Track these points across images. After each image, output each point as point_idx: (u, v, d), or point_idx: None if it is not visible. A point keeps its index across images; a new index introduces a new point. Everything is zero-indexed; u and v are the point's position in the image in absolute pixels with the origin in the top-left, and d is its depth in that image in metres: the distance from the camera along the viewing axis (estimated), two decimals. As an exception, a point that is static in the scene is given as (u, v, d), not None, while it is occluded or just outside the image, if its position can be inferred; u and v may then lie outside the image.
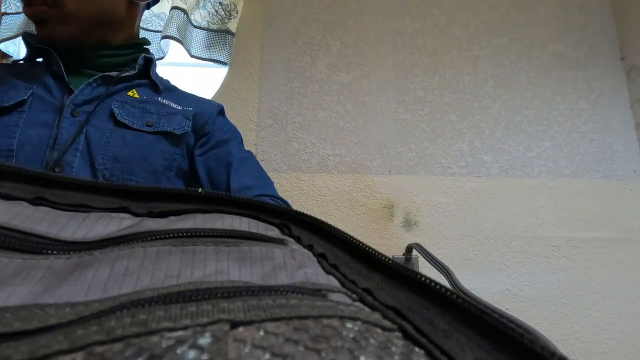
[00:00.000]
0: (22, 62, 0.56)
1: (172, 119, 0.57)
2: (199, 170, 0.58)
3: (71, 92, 0.52)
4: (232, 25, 1.07)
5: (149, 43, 0.65)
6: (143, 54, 0.60)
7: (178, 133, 0.56)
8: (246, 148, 0.64)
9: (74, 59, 0.55)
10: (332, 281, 0.15)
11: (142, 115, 0.55)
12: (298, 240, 0.20)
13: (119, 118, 0.53)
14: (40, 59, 0.57)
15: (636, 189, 1.03)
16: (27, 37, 0.55)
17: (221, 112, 0.65)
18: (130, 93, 0.57)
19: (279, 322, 0.10)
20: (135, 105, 0.55)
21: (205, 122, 0.60)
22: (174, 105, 0.59)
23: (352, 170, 1.03)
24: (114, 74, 0.55)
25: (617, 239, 1.00)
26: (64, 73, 0.53)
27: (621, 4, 1.14)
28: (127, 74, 0.56)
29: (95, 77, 0.54)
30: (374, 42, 1.11)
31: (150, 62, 0.61)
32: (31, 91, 0.50)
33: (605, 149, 1.06)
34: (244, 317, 0.10)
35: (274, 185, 0.63)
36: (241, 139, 0.65)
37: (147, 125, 0.54)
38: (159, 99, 0.59)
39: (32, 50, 0.56)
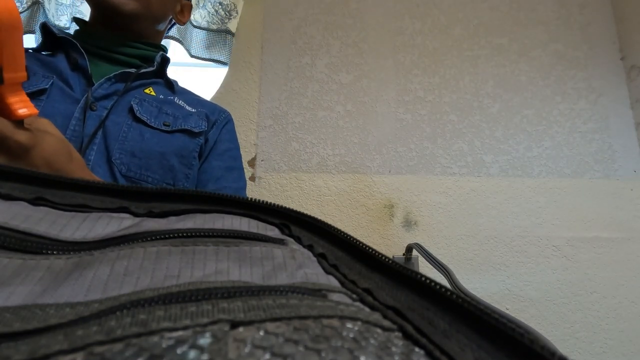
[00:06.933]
0: (31, 51, 0.56)
1: (188, 118, 0.58)
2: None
3: (90, 84, 0.53)
4: (232, 25, 1.07)
5: (167, 50, 0.67)
6: (160, 52, 0.62)
7: (196, 131, 0.58)
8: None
9: (97, 48, 0.56)
10: (332, 281, 0.15)
11: (159, 115, 0.56)
12: (298, 240, 0.20)
13: (137, 114, 0.53)
14: (45, 51, 0.57)
15: (636, 189, 1.03)
16: (47, 27, 0.55)
17: (229, 122, 0.66)
18: (147, 90, 0.58)
19: (279, 322, 0.10)
20: (153, 103, 0.56)
21: (211, 128, 0.62)
22: (188, 108, 0.61)
23: (352, 170, 1.03)
24: (133, 70, 0.56)
25: (617, 239, 1.00)
26: (88, 66, 0.53)
27: (621, 4, 1.14)
28: (145, 70, 0.57)
29: (116, 72, 0.54)
30: (374, 42, 1.11)
31: (166, 62, 0.63)
32: (52, 81, 0.50)
33: (605, 149, 1.06)
34: (244, 317, 0.10)
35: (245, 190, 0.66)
36: (238, 154, 0.66)
37: (165, 125, 0.55)
38: (175, 99, 0.60)
39: (51, 41, 0.56)
